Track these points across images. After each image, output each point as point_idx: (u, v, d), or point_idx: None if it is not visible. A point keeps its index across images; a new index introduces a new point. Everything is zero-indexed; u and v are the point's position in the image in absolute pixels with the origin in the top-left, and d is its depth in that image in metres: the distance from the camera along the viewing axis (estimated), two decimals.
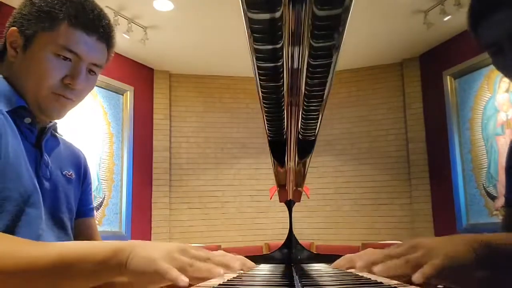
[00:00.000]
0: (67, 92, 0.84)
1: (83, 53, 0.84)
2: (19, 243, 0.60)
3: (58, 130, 0.94)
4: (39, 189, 0.79)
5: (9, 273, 0.55)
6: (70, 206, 0.92)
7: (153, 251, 0.56)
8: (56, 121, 0.90)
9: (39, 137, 0.85)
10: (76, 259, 0.56)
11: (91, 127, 4.27)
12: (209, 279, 0.58)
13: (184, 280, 0.54)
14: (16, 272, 0.55)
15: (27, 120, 0.81)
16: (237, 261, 0.64)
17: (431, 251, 0.59)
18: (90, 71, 0.87)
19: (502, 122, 3.90)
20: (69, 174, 0.93)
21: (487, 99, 4.05)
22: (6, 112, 0.77)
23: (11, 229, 0.72)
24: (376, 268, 0.60)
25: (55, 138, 0.93)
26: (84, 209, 1.00)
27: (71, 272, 0.56)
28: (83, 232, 0.98)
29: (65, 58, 0.82)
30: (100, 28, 0.85)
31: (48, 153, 0.87)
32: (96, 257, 0.56)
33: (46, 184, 0.84)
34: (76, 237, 0.96)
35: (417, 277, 0.56)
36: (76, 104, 0.88)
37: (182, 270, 0.55)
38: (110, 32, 0.88)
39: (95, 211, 4.15)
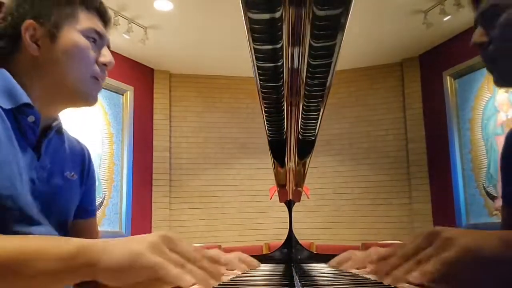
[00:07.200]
0: (102, 74, 0.87)
1: (103, 33, 0.87)
2: None
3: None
4: (30, 197, 0.75)
5: None
6: (67, 211, 0.88)
7: (133, 244, 0.47)
8: (60, 120, 0.88)
9: (40, 137, 0.81)
10: (35, 253, 0.49)
11: (91, 127, 4.27)
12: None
13: (188, 280, 0.46)
14: None
15: (31, 118, 0.76)
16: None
17: (446, 241, 0.45)
18: None
19: (502, 122, 3.90)
20: (71, 175, 0.89)
21: (487, 99, 4.05)
22: (8, 109, 0.73)
23: None
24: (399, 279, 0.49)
25: (60, 136, 0.88)
26: (84, 209, 0.95)
27: (30, 269, 0.48)
28: (81, 235, 0.92)
29: (94, 40, 0.85)
30: (106, 13, 0.90)
31: (49, 154, 0.83)
32: (58, 253, 0.48)
33: (43, 187, 0.80)
34: None
35: (414, 276, 0.45)
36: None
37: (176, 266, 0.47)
38: (110, 20, 0.92)
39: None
